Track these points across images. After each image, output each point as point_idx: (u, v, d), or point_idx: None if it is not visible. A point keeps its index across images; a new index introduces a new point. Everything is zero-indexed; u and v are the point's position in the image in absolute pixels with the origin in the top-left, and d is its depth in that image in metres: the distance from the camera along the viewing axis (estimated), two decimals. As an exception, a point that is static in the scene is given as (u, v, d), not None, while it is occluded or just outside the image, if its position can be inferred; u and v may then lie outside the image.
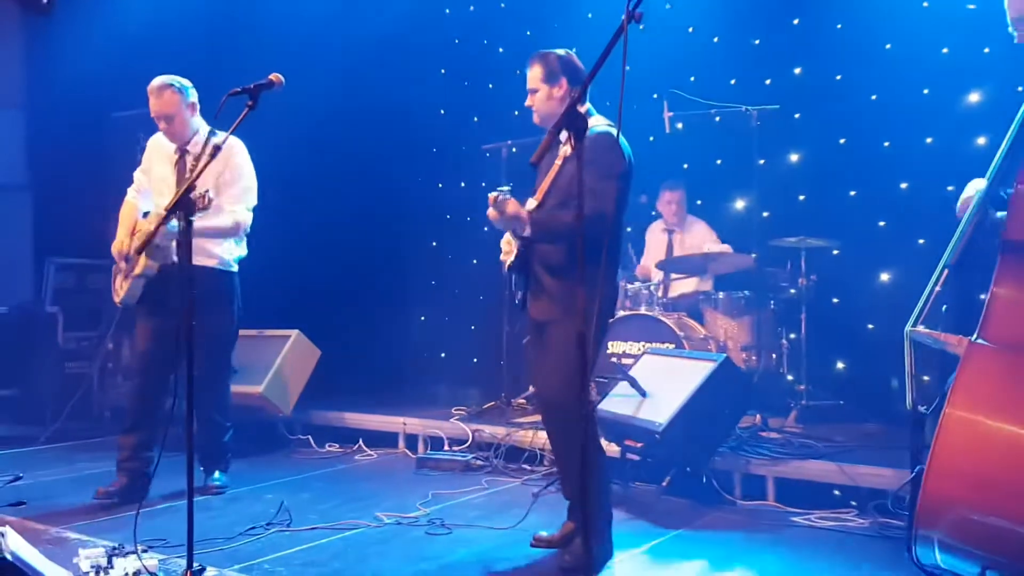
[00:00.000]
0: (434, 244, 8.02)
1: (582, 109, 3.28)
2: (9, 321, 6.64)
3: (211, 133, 4.01)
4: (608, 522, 3.25)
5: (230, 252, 4.39)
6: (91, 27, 7.27)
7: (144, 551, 3.15)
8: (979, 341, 2.17)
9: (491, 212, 3.20)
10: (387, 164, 7.65)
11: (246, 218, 4.32)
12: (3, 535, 2.71)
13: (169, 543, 3.41)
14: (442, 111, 7.93)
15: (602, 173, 3.07)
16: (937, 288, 2.52)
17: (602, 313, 3.36)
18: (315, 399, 5.86)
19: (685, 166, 6.66)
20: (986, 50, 5.66)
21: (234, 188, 4.24)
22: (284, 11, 7.11)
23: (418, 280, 7.98)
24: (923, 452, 2.20)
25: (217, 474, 4.42)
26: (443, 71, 7.89)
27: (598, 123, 3.31)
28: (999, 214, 2.53)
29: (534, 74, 3.45)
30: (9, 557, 2.59)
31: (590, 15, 7.17)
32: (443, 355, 7.86)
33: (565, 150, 3.21)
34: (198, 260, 3.95)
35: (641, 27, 2.28)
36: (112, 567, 2.97)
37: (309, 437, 5.62)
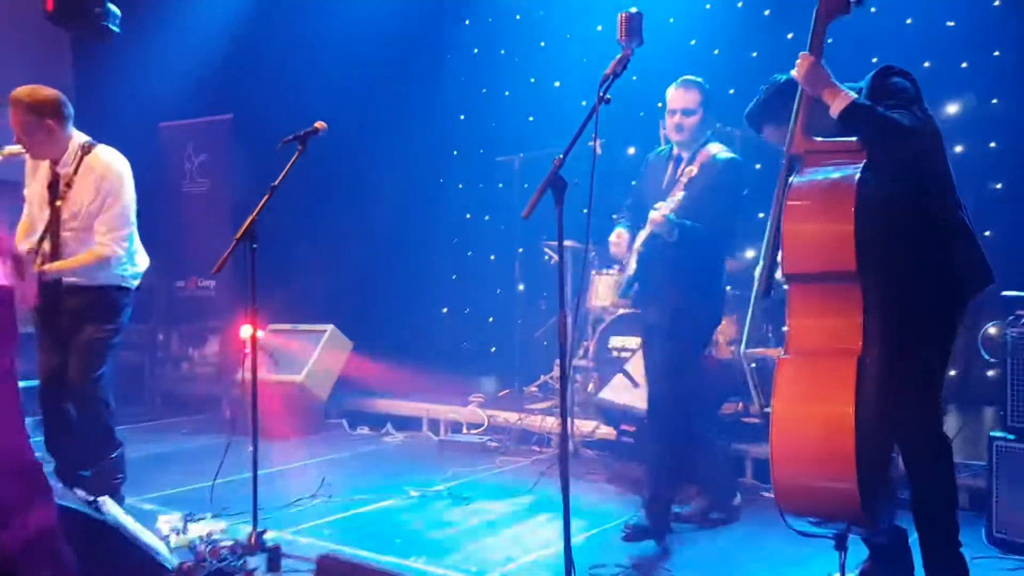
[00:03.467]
0: (455, 241, 8.59)
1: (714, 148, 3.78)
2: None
3: (84, 147, 3.88)
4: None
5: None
6: (139, 39, 7.81)
7: (201, 518, 3.79)
8: (785, 355, 2.74)
9: (655, 215, 3.56)
10: (411, 167, 8.21)
11: (119, 248, 3.90)
12: (103, 502, 3.35)
13: (230, 511, 4.04)
14: (462, 116, 8.49)
15: (726, 198, 3.59)
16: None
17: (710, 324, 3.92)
18: (348, 386, 6.47)
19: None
20: (964, 64, 6.13)
21: (107, 214, 3.87)
22: (320, 26, 7.65)
23: (440, 275, 8.56)
24: None
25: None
26: (462, 79, 8.44)
27: (722, 150, 3.77)
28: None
29: (694, 96, 3.76)
30: (110, 521, 3.21)
31: (600, 28, 7.69)
32: (464, 344, 8.46)
33: (690, 170, 3.63)
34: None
35: (609, 101, 2.79)
36: (187, 531, 3.60)
37: (343, 421, 6.25)
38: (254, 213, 3.43)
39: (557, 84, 7.92)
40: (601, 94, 2.74)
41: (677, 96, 3.74)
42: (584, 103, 7.72)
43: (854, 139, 2.79)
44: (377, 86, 7.82)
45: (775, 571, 3.41)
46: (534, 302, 7.68)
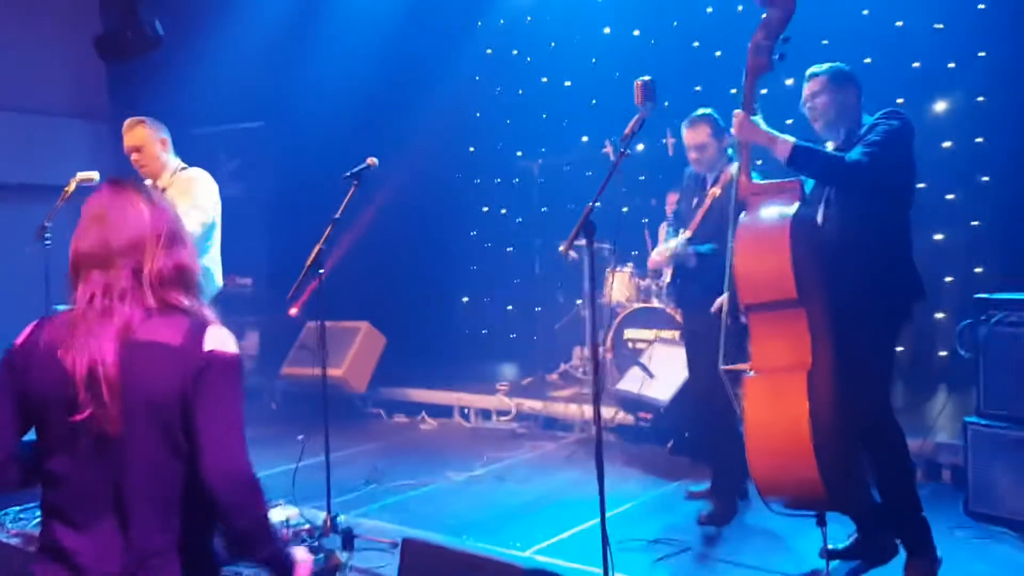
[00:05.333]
0: (473, 234, 9.05)
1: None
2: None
3: (181, 168, 4.47)
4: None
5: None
6: (173, 47, 8.19)
7: (276, 505, 4.30)
8: (750, 373, 3.19)
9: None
10: (430, 163, 8.60)
11: (196, 229, 4.30)
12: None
13: (294, 497, 4.54)
14: (477, 114, 8.91)
15: None
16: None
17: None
18: (382, 378, 6.97)
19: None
20: (951, 64, 6.54)
21: (185, 204, 4.27)
22: (342, 33, 8.04)
23: (460, 266, 9.03)
24: None
25: None
26: (477, 78, 8.84)
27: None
28: None
29: (703, 132, 4.15)
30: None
31: (607, 30, 8.10)
32: (484, 331, 8.95)
33: (715, 191, 4.10)
34: None
35: (629, 155, 3.24)
36: (266, 517, 4.11)
37: (380, 410, 6.77)
38: (319, 243, 3.90)
39: (568, 83, 8.34)
40: (623, 150, 3.18)
41: (689, 135, 4.19)
42: (594, 101, 8.17)
43: (791, 179, 3.27)
44: (396, 87, 8.23)
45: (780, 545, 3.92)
46: (552, 293, 8.16)
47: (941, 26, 6.51)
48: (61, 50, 7.99)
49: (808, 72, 4.15)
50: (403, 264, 8.33)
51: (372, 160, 4.10)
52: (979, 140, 6.38)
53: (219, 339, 1.86)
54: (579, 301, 7.26)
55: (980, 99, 6.41)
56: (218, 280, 4.68)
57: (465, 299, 9.11)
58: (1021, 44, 6.09)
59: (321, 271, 3.94)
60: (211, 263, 4.56)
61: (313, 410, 6.28)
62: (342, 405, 6.59)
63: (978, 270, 6.33)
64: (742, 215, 3.25)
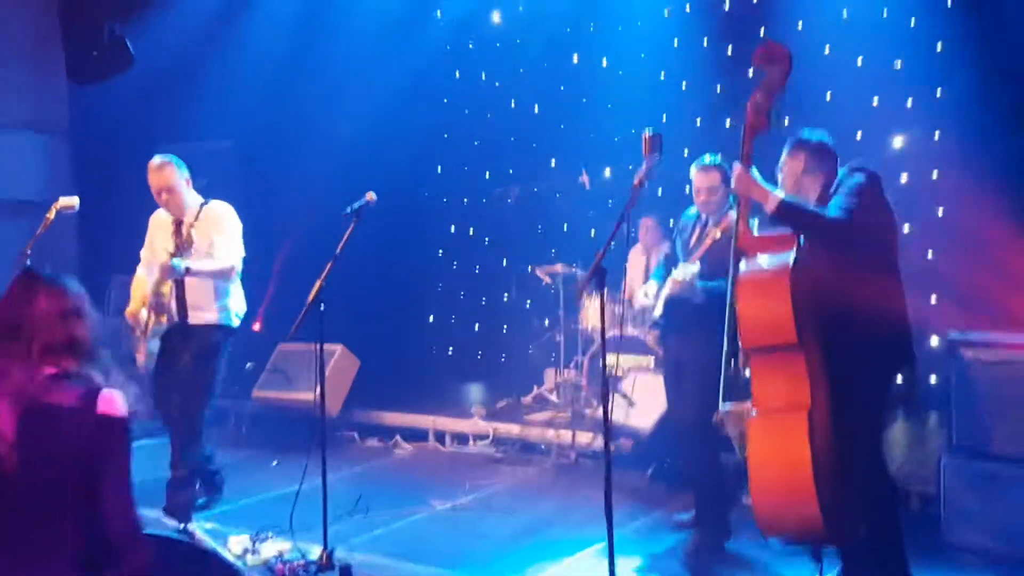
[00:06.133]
0: (440, 253, 9.11)
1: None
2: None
3: (203, 203, 4.74)
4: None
5: (228, 307, 4.76)
6: (136, 62, 8.06)
7: (267, 538, 4.30)
8: (753, 413, 3.34)
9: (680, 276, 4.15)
10: (398, 182, 8.63)
11: (238, 263, 4.73)
12: (194, 532, 3.86)
13: (282, 529, 4.54)
14: (446, 135, 8.98)
15: None
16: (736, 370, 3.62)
17: None
18: (354, 399, 6.95)
19: (660, 192, 7.81)
20: (909, 102, 6.83)
21: (224, 239, 4.66)
22: (315, 54, 8.05)
23: (427, 285, 9.07)
24: None
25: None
26: (445, 100, 8.91)
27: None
28: None
29: (715, 177, 4.28)
30: (206, 548, 3.73)
31: (576, 58, 8.26)
32: (451, 350, 9.01)
33: (715, 233, 4.21)
34: (199, 316, 4.65)
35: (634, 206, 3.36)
36: (259, 551, 4.11)
37: (354, 433, 6.76)
38: (321, 279, 3.93)
39: (536, 109, 8.47)
40: (630, 203, 3.30)
41: (700, 178, 4.30)
42: (562, 126, 8.32)
43: (789, 232, 3.44)
44: (365, 107, 8.23)
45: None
46: (518, 313, 8.26)
47: (900, 64, 6.81)
48: (20, 62, 7.81)
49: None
50: (371, 283, 8.32)
51: (371, 196, 4.14)
52: (935, 174, 6.66)
53: (111, 403, 2.18)
54: (546, 321, 7.38)
55: (936, 134, 6.71)
56: (240, 307, 4.89)
57: (431, 318, 9.16)
58: (976, 83, 6.38)
59: (322, 307, 3.96)
60: (237, 292, 4.85)
61: (284, 434, 6.31)
62: (314, 428, 6.58)
63: (933, 300, 6.61)
64: (743, 263, 3.39)
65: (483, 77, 8.74)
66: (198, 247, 4.58)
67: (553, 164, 8.38)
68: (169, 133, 8.22)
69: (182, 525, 4.24)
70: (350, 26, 8.04)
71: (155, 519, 4.58)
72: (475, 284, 8.91)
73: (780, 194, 3.38)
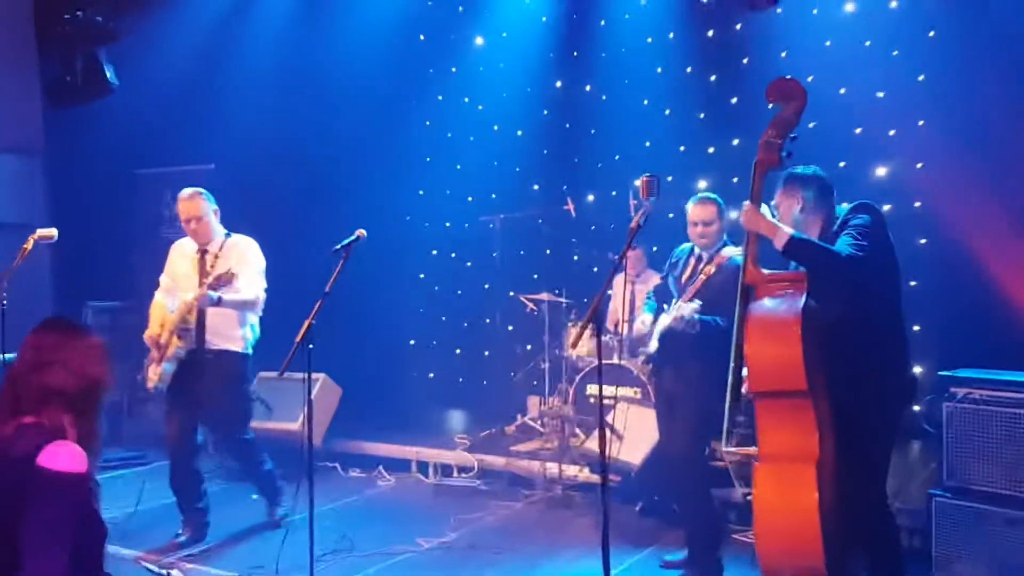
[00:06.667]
0: (422, 276, 9.03)
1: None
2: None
3: (227, 235, 5.00)
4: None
5: (247, 336, 5.08)
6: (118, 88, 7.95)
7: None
8: (758, 460, 3.30)
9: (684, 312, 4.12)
10: (378, 204, 8.55)
11: (262, 294, 5.04)
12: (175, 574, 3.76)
13: (268, 570, 4.45)
14: (428, 159, 8.92)
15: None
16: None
17: None
18: (335, 428, 6.86)
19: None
20: (892, 132, 6.87)
21: (248, 272, 4.92)
22: (295, 78, 7.99)
23: (408, 309, 8.98)
24: None
25: (279, 509, 5.38)
26: (428, 123, 8.87)
27: (736, 253, 4.22)
28: None
29: (711, 210, 4.29)
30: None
31: (559, 84, 8.25)
32: (431, 375, 8.93)
33: (709, 269, 4.22)
34: (223, 344, 4.92)
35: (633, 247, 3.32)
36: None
37: (336, 465, 6.66)
38: (310, 317, 3.86)
39: (519, 133, 8.44)
40: (629, 244, 3.26)
41: (697, 211, 4.30)
42: (545, 151, 8.31)
43: (799, 271, 3.41)
44: (347, 131, 8.21)
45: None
46: (500, 338, 8.21)
47: (882, 95, 6.85)
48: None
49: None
50: (351, 308, 8.21)
51: (361, 232, 4.09)
52: (917, 204, 6.69)
53: (55, 455, 2.14)
54: (528, 347, 7.31)
55: (919, 166, 6.75)
56: (255, 336, 5.18)
57: (412, 342, 9.07)
58: (958, 114, 6.44)
59: (311, 346, 3.88)
60: (255, 322, 5.15)
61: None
62: (296, 459, 6.47)
63: (916, 328, 6.63)
64: (753, 304, 3.35)
65: (466, 100, 8.69)
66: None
67: (536, 188, 8.35)
68: (150, 157, 8.17)
69: (164, 571, 4.13)
70: (332, 50, 8.00)
71: (132, 559, 4.51)
72: (457, 308, 8.83)
73: (789, 231, 3.33)
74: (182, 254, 5.15)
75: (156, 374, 4.92)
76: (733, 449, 3.43)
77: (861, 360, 3.30)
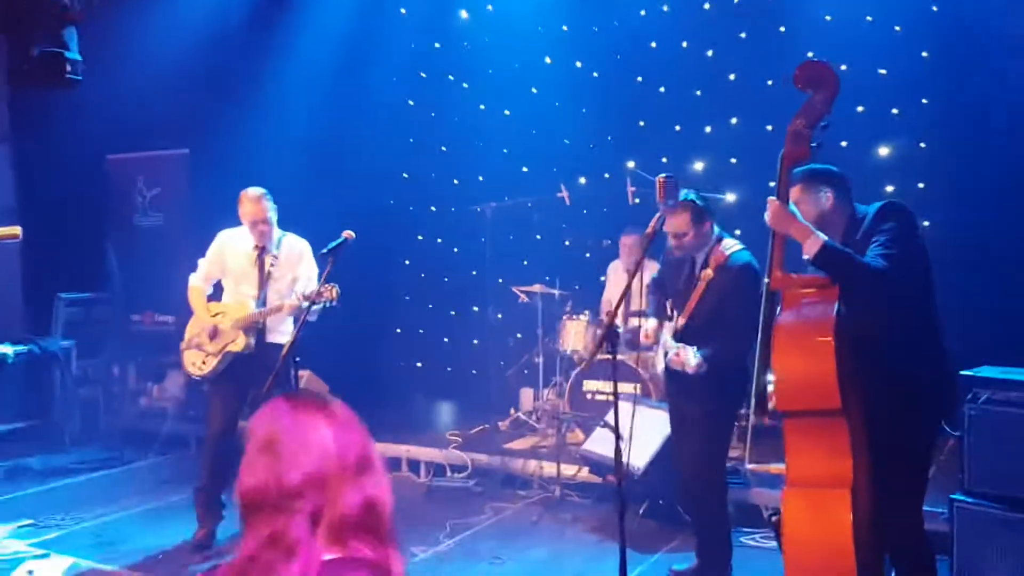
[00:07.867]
0: (407, 263, 8.75)
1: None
2: (31, 357, 6.91)
3: (282, 236, 4.98)
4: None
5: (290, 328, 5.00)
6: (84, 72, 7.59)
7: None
8: (787, 486, 3.05)
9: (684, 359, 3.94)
10: (362, 190, 8.27)
11: None
12: None
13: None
14: (411, 140, 8.61)
15: (746, 303, 3.66)
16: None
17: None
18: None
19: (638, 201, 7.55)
20: (894, 110, 6.64)
21: (306, 274, 4.99)
22: (272, 59, 7.66)
23: (393, 296, 8.71)
24: None
25: None
26: (411, 102, 8.55)
27: (734, 248, 3.99)
28: None
29: (683, 219, 3.91)
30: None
31: (548, 60, 7.93)
32: (419, 364, 8.67)
33: (707, 273, 3.93)
34: (275, 338, 4.88)
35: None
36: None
37: (323, 463, 6.39)
38: (296, 331, 3.59)
39: (507, 112, 8.14)
40: (642, 253, 3.02)
41: (669, 223, 3.90)
42: (535, 131, 7.99)
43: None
44: (325, 111, 7.89)
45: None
46: (489, 325, 7.95)
47: (884, 72, 6.61)
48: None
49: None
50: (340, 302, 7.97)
51: (349, 234, 3.81)
52: (920, 185, 6.49)
53: None
54: (519, 335, 7.08)
55: (922, 145, 6.54)
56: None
57: (398, 330, 8.81)
58: (962, 92, 6.23)
59: (298, 359, 3.62)
60: None
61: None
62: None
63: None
64: (780, 313, 3.09)
65: (450, 78, 8.36)
66: (279, 280, 4.89)
67: (525, 171, 8.04)
68: (122, 142, 7.81)
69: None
70: (309, 26, 7.67)
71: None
72: (444, 295, 8.57)
73: (823, 237, 3.03)
74: (236, 249, 5.04)
75: (208, 362, 4.88)
76: (755, 466, 3.19)
77: (897, 374, 3.06)
